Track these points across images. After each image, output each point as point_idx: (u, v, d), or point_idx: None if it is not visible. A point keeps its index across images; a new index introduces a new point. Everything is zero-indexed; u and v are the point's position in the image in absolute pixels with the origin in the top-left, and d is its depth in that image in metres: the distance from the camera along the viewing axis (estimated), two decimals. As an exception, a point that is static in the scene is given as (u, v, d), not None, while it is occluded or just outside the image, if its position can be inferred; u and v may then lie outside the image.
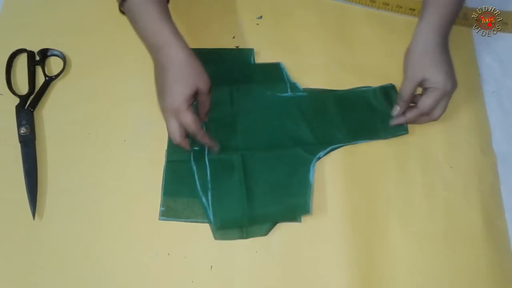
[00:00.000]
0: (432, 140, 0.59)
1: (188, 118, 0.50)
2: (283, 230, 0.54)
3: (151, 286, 0.51)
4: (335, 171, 0.57)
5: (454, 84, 0.55)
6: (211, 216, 0.53)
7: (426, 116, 0.58)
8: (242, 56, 0.63)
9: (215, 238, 0.53)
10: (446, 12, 0.55)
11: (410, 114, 0.58)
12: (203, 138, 0.53)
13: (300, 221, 0.54)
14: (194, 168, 0.55)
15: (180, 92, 0.50)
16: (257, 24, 0.66)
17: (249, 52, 0.63)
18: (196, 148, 0.56)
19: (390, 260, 0.53)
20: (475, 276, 0.53)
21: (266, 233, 0.53)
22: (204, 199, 0.54)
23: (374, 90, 0.61)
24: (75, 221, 0.53)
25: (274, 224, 0.54)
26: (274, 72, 0.62)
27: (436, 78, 0.54)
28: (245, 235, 0.53)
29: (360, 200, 0.55)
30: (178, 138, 0.52)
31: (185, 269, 0.52)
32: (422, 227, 0.55)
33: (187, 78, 0.50)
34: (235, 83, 0.60)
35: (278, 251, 0.53)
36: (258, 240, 0.53)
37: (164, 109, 0.52)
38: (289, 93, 0.60)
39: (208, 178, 0.55)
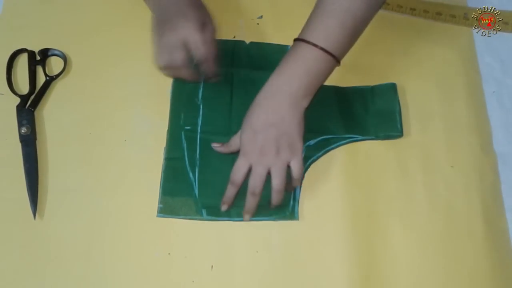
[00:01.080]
0: (432, 140, 0.59)
1: (198, 37, 0.50)
2: (283, 230, 0.54)
3: (152, 286, 0.51)
4: (335, 171, 0.57)
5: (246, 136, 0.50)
6: (196, 192, 0.54)
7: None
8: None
9: (201, 217, 0.53)
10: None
11: None
12: (208, 61, 0.53)
13: (297, 218, 0.54)
14: (185, 145, 0.56)
15: (186, 24, 0.50)
16: (258, 23, 0.66)
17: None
18: (187, 127, 0.57)
19: (391, 260, 0.53)
20: (475, 276, 0.53)
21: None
22: (191, 175, 0.55)
23: (373, 88, 0.61)
24: (76, 220, 0.53)
25: (266, 212, 0.53)
26: (279, 55, 0.58)
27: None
28: (232, 216, 0.53)
29: (361, 200, 0.55)
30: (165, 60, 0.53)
31: (185, 268, 0.52)
32: (423, 227, 0.55)
33: (193, 13, 0.51)
34: (236, 66, 0.60)
35: (278, 251, 0.53)
36: (259, 240, 0.53)
37: (160, 44, 0.52)
38: None
39: (197, 155, 0.55)
